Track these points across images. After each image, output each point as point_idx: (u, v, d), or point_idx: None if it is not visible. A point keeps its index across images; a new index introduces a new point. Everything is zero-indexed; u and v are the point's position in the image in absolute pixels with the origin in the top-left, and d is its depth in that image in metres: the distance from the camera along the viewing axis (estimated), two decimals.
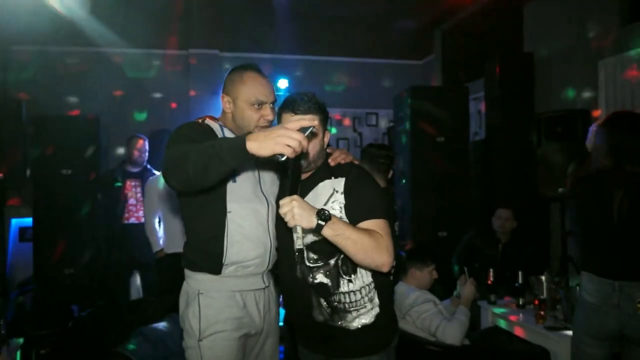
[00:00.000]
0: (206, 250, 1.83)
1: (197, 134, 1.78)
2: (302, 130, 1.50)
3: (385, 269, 1.72)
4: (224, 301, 1.83)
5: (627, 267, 2.27)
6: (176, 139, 1.74)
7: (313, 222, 1.58)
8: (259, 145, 1.45)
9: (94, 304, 4.27)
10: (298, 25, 5.86)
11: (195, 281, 1.86)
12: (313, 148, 1.79)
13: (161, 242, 4.27)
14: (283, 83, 6.73)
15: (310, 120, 1.74)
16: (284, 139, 1.43)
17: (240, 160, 1.53)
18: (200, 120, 1.92)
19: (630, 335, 2.26)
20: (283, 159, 1.47)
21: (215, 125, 1.91)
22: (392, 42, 6.65)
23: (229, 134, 1.90)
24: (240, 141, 1.48)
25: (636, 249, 2.28)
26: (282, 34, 6.03)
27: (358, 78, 7.18)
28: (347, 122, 7.36)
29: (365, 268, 1.79)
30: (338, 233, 1.62)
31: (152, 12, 5.40)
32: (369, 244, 1.66)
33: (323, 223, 1.59)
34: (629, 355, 2.35)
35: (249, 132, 1.59)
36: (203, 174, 1.52)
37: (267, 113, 1.89)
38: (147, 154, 4.74)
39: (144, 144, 4.73)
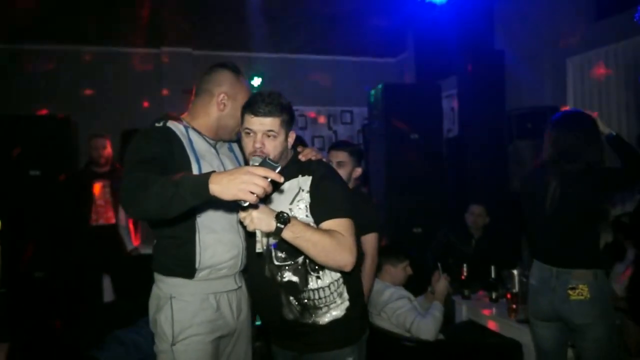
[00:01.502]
0: (178, 255, 1.79)
1: (158, 145, 1.72)
2: (267, 164, 1.52)
3: (347, 269, 1.72)
4: (198, 304, 1.81)
5: (562, 255, 2.46)
6: (135, 158, 1.67)
7: (272, 225, 1.58)
8: (222, 190, 1.42)
9: (65, 308, 4.20)
10: (271, 23, 5.83)
11: (167, 285, 1.82)
12: (274, 149, 1.77)
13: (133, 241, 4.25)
14: (257, 81, 6.70)
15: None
16: (248, 185, 1.41)
17: (201, 201, 1.50)
18: (161, 124, 1.83)
19: (565, 318, 2.44)
20: (245, 204, 1.47)
21: (178, 128, 1.84)
22: (366, 40, 6.67)
23: (194, 136, 1.85)
24: (203, 182, 1.44)
25: (568, 238, 2.46)
26: (256, 32, 6.00)
27: (332, 76, 7.20)
28: (322, 120, 7.37)
29: (329, 268, 1.79)
30: (298, 235, 1.62)
31: (124, 10, 5.32)
32: (330, 244, 1.66)
33: (282, 226, 1.59)
34: (576, 342, 2.51)
35: (212, 172, 1.49)
36: (163, 211, 1.51)
37: None
38: (106, 151, 4.56)
39: (102, 142, 4.54)
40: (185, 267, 1.79)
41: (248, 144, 1.78)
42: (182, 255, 1.79)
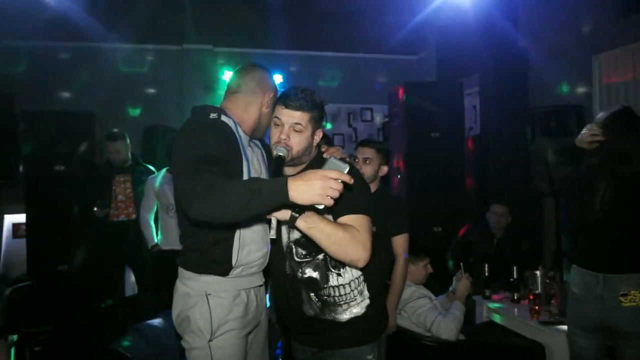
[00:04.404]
0: (215, 253, 1.80)
1: (219, 141, 1.72)
2: (336, 165, 1.56)
3: (360, 264, 1.72)
4: (231, 300, 1.83)
5: (610, 260, 2.34)
6: (195, 154, 1.63)
7: (287, 214, 1.61)
8: (301, 196, 1.47)
9: (88, 300, 4.26)
10: (292, 20, 5.83)
11: (200, 283, 1.82)
12: (298, 144, 1.81)
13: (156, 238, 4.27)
14: (277, 78, 6.70)
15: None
16: (325, 190, 1.47)
17: (278, 205, 1.53)
18: (215, 116, 1.82)
19: (613, 326, 2.33)
20: (321, 207, 1.52)
21: (231, 122, 1.85)
22: (387, 37, 6.63)
23: (241, 132, 1.86)
24: (282, 190, 1.47)
25: (619, 242, 2.34)
26: (276, 29, 6.00)
27: (353, 73, 7.17)
28: (341, 117, 7.35)
29: (343, 262, 1.78)
30: (311, 226, 1.63)
31: (145, 7, 5.37)
32: (343, 238, 1.66)
33: (297, 215, 1.61)
34: (619, 349, 2.40)
35: (285, 177, 1.51)
36: (235, 215, 1.52)
37: None
38: (121, 155, 4.55)
39: (114, 147, 4.53)
40: (222, 265, 1.80)
41: (275, 134, 1.83)
42: (219, 253, 1.80)
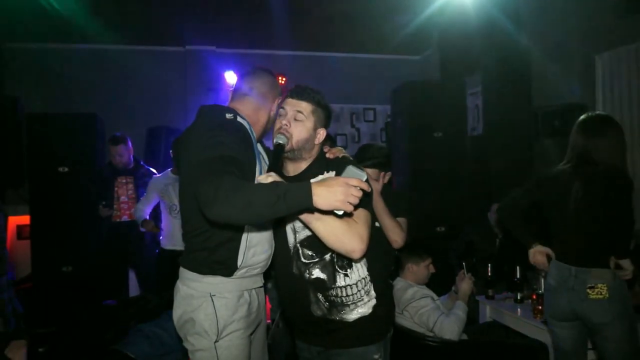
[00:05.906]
0: (220, 253, 1.81)
1: (238, 142, 1.72)
2: (354, 173, 1.61)
3: (355, 255, 1.71)
4: (236, 301, 1.84)
5: (581, 254, 2.50)
6: (215, 153, 1.61)
7: None
8: (323, 201, 1.49)
9: (92, 301, 4.28)
10: (295, 21, 5.84)
11: (204, 284, 1.82)
12: (299, 133, 1.84)
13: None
14: (280, 79, 6.70)
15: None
16: (347, 196, 1.50)
17: (299, 210, 1.55)
18: (231, 116, 1.82)
19: (583, 317, 2.47)
20: (340, 213, 1.55)
21: (245, 124, 1.85)
22: (390, 37, 6.62)
23: (253, 135, 1.88)
24: (307, 194, 1.48)
25: (588, 238, 2.50)
26: (279, 30, 6.00)
27: (355, 74, 7.16)
28: (344, 117, 7.35)
29: (339, 254, 1.79)
30: (309, 213, 1.64)
31: (148, 9, 5.39)
32: (340, 227, 1.67)
33: None
34: (593, 341, 2.55)
35: (308, 182, 1.50)
36: (259, 218, 1.54)
37: None
38: (123, 158, 4.58)
39: (116, 150, 4.56)
40: (227, 266, 1.81)
41: (277, 123, 1.89)
42: (225, 254, 1.80)
